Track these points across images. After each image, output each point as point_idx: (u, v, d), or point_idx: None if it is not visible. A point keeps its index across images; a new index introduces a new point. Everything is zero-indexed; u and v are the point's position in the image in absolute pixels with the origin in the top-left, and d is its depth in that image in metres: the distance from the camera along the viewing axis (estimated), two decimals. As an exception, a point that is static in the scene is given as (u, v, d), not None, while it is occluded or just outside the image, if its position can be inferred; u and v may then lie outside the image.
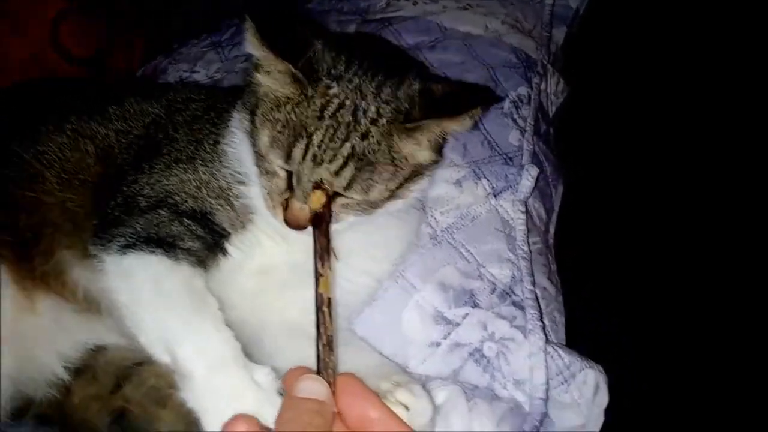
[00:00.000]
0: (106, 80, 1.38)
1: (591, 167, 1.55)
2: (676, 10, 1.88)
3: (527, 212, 0.93)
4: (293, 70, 0.69)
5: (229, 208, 0.76)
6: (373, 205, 0.73)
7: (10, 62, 1.28)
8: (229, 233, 0.77)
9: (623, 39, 1.81)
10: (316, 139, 0.68)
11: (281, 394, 0.61)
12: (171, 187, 0.75)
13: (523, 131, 1.04)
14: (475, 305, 0.81)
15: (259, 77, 0.72)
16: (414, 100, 0.71)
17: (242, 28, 0.71)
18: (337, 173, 0.68)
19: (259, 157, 0.73)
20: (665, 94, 1.76)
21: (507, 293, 0.82)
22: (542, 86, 1.17)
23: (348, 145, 0.68)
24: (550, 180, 1.10)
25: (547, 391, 0.73)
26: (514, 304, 0.81)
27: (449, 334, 0.79)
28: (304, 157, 0.68)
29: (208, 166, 0.77)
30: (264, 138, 0.71)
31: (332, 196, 0.70)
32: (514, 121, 1.05)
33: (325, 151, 0.68)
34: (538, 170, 0.95)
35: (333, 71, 0.71)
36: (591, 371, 0.76)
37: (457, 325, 0.80)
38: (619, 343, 1.35)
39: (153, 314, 0.66)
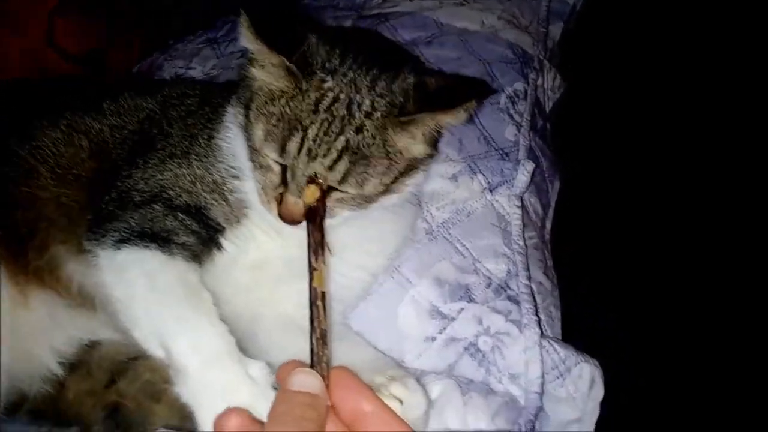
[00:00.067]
0: (103, 78, 1.38)
1: (588, 163, 1.55)
2: (672, 5, 1.89)
3: (523, 207, 0.93)
4: (287, 63, 0.68)
5: (223, 202, 0.76)
6: (367, 200, 0.73)
7: (7, 61, 1.27)
8: (224, 228, 0.76)
9: (620, 35, 1.81)
10: (311, 133, 0.68)
11: (276, 389, 0.61)
12: (165, 182, 0.75)
13: (519, 126, 1.04)
14: (471, 300, 0.81)
15: (254, 71, 0.72)
16: (408, 93, 0.71)
17: (238, 24, 0.71)
18: (331, 167, 0.68)
19: (254, 152, 0.72)
20: (662, 90, 1.77)
21: (502, 288, 0.82)
22: (539, 82, 1.17)
23: (342, 138, 0.68)
24: (546, 175, 1.10)
25: (542, 385, 0.73)
26: (509, 298, 0.81)
27: (445, 328, 0.79)
28: (299, 151, 0.68)
29: (202, 161, 0.77)
30: (258, 132, 0.71)
31: (327, 191, 0.70)
32: (511, 116, 1.05)
33: (319, 145, 0.68)
34: (534, 165, 0.95)
35: (327, 65, 0.71)
36: (586, 365, 0.76)
37: (453, 319, 0.80)
38: (616, 339, 1.36)
39: (147, 309, 0.66)
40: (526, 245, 0.88)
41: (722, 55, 1.81)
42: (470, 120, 0.88)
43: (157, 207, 0.73)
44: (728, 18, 1.85)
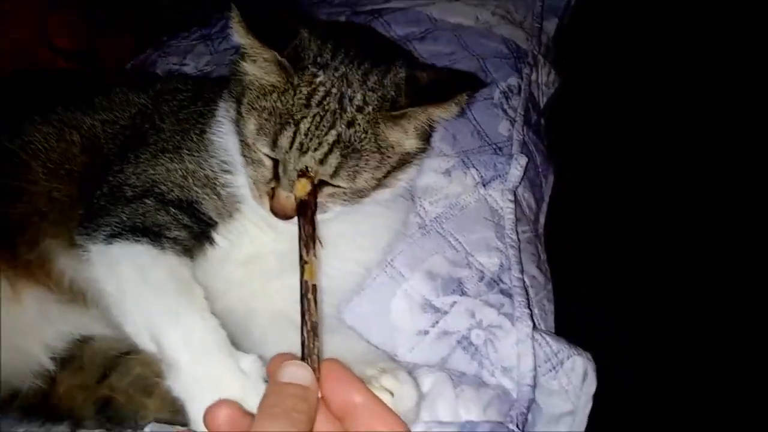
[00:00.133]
0: (96, 73, 1.37)
1: (582, 157, 1.56)
2: (667, 2, 1.89)
3: (516, 201, 0.93)
4: (279, 58, 0.68)
5: (215, 197, 0.76)
6: (359, 194, 0.73)
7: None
8: (216, 222, 0.76)
9: (615, 31, 1.81)
10: (303, 127, 0.68)
11: (267, 382, 0.61)
12: (157, 177, 0.75)
13: (512, 121, 1.04)
14: (463, 293, 0.81)
15: (245, 66, 0.72)
16: (400, 87, 0.71)
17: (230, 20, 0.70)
18: (322, 161, 0.68)
19: (245, 146, 0.72)
20: (656, 85, 1.77)
21: (495, 281, 0.82)
22: (533, 77, 1.17)
23: (334, 132, 0.68)
24: (540, 170, 1.10)
25: (534, 377, 0.73)
26: (501, 291, 0.81)
27: (437, 322, 0.80)
28: (290, 146, 0.68)
29: (194, 156, 0.77)
30: (250, 126, 0.71)
31: (319, 185, 0.70)
32: (504, 111, 1.05)
33: (311, 139, 0.68)
34: (527, 159, 0.95)
35: (319, 59, 0.71)
36: (579, 358, 0.77)
37: (445, 313, 0.80)
38: (612, 336, 1.36)
39: (138, 303, 0.66)
40: (518, 239, 0.88)
41: (717, 49, 1.82)
42: (462, 114, 0.88)
43: (149, 202, 0.73)
44: (723, 13, 1.85)
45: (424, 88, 0.71)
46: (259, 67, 0.71)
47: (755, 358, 1.35)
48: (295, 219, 0.67)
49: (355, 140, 0.69)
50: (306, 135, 0.68)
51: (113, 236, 0.70)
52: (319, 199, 0.70)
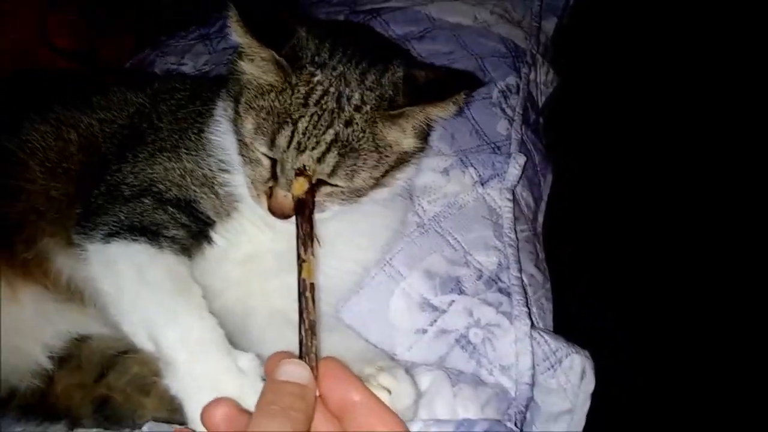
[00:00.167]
0: (96, 73, 1.37)
1: (582, 157, 1.56)
2: (666, 1, 1.89)
3: (515, 200, 0.93)
4: (277, 57, 0.68)
5: (213, 196, 0.76)
6: (357, 193, 0.73)
7: (-1, 56, 1.27)
8: (214, 221, 0.76)
9: (614, 30, 1.81)
10: (301, 126, 0.68)
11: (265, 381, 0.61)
12: (155, 176, 0.75)
13: (511, 121, 1.04)
14: (461, 292, 0.81)
15: (243, 65, 0.72)
16: (398, 86, 0.71)
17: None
18: (320, 160, 0.68)
19: (243, 146, 0.72)
20: (655, 84, 1.77)
21: (493, 280, 0.82)
22: (531, 76, 1.17)
23: (332, 131, 0.68)
24: (538, 169, 1.10)
25: (533, 376, 0.73)
26: (500, 290, 0.81)
27: (435, 320, 0.79)
28: (288, 145, 0.68)
29: (192, 155, 0.77)
30: (248, 126, 0.71)
31: (317, 185, 0.70)
32: (503, 110, 1.05)
33: (308, 138, 0.68)
34: (525, 158, 0.95)
35: (317, 58, 0.71)
36: (577, 356, 0.77)
37: (444, 312, 0.80)
38: (611, 335, 1.36)
39: (136, 302, 0.66)
40: (517, 238, 0.88)
41: (716, 48, 1.82)
42: (460, 113, 0.88)
43: (147, 201, 0.73)
44: (721, 13, 1.85)
45: (421, 87, 0.71)
46: (257, 67, 0.71)
47: (754, 357, 1.35)
48: (294, 218, 0.67)
49: (353, 139, 0.69)
50: (304, 134, 0.68)
51: (111, 235, 0.70)
52: (317, 199, 0.70)
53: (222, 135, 0.77)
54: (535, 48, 1.22)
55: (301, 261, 0.59)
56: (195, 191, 0.75)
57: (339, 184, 0.70)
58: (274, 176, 0.71)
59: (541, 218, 1.07)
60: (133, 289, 0.67)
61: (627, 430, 1.25)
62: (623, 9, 1.87)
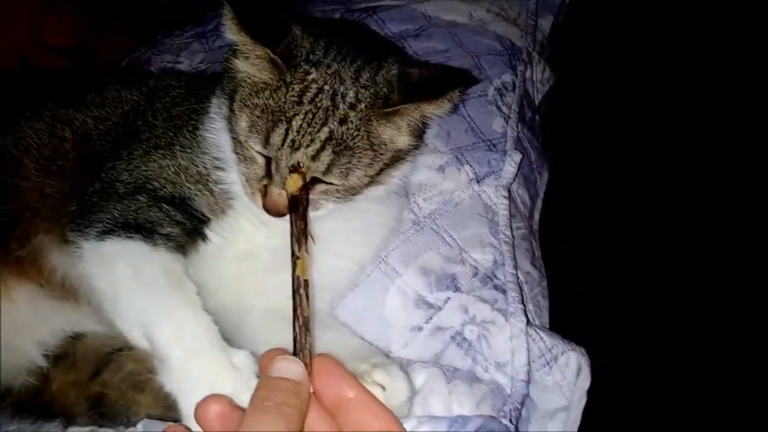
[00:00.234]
0: (95, 73, 1.37)
1: (578, 154, 1.56)
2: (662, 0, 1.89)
3: (511, 198, 0.93)
4: (271, 55, 0.68)
5: (208, 193, 0.76)
6: (352, 191, 0.73)
7: (-6, 55, 1.27)
8: (209, 219, 0.76)
9: (610, 28, 1.82)
10: (295, 124, 0.68)
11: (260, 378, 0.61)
12: (150, 173, 0.75)
13: (507, 118, 1.04)
14: (457, 289, 0.81)
15: (238, 63, 0.72)
16: (392, 84, 0.71)
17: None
18: (314, 157, 0.68)
19: (238, 144, 0.72)
20: (651, 83, 1.77)
21: (489, 277, 0.82)
22: (527, 74, 1.17)
23: (326, 129, 0.68)
24: (534, 166, 1.10)
25: (528, 373, 0.73)
26: (495, 287, 0.81)
27: (431, 318, 0.80)
28: (283, 143, 0.68)
29: (187, 152, 0.77)
30: (242, 123, 0.70)
31: (312, 183, 0.70)
32: (499, 108, 1.05)
33: (303, 136, 0.68)
34: (521, 156, 0.95)
35: (311, 56, 0.71)
36: (573, 354, 0.77)
37: (439, 309, 0.80)
38: (610, 335, 1.37)
39: (131, 299, 0.66)
40: (513, 235, 0.88)
41: (713, 47, 1.82)
42: (455, 110, 0.88)
43: (142, 198, 0.73)
44: (719, 11, 1.86)
45: (416, 85, 0.71)
46: (252, 64, 0.70)
47: (751, 356, 1.35)
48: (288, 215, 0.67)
49: (348, 137, 0.69)
50: (298, 132, 0.68)
51: (105, 233, 0.70)
52: (312, 196, 0.70)
53: (217, 132, 0.77)
54: (531, 46, 1.22)
55: (295, 258, 0.59)
56: (190, 188, 0.75)
57: (334, 181, 0.70)
58: (268, 174, 0.71)
59: (537, 216, 1.08)
60: (128, 286, 0.66)
61: (623, 428, 1.26)
62: (619, 7, 1.88)
